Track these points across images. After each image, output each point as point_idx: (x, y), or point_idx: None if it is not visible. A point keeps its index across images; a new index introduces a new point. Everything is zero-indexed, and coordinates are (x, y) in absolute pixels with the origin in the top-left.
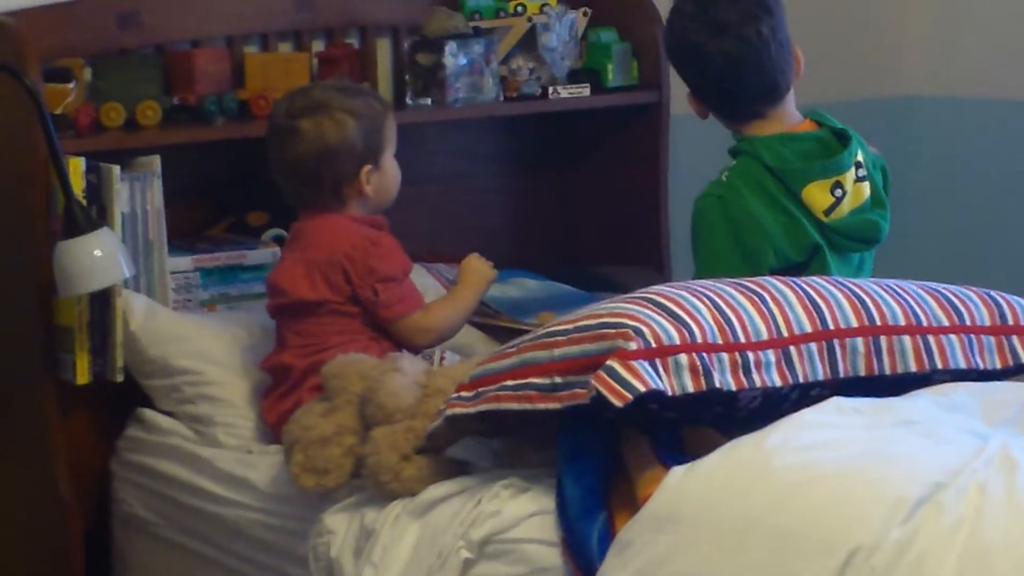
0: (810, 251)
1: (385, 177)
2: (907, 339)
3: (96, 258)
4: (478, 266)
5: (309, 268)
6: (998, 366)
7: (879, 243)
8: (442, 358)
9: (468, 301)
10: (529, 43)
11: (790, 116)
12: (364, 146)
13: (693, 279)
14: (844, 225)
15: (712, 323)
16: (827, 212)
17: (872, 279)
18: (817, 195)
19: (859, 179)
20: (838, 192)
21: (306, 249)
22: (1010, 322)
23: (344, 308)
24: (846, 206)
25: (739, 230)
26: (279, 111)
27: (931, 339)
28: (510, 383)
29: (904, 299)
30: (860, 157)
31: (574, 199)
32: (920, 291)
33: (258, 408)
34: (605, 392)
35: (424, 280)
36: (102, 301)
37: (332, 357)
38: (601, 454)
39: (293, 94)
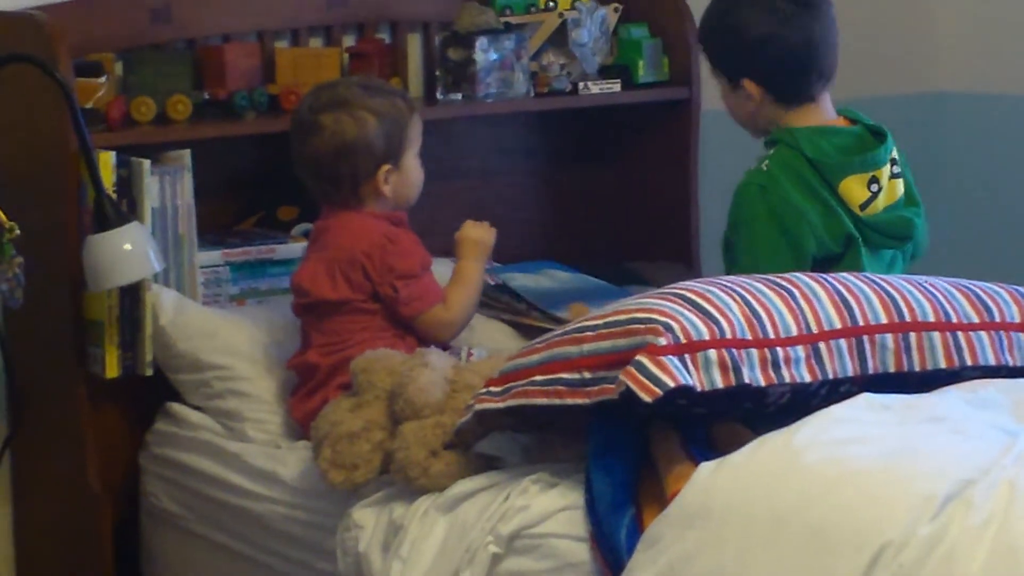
0: (845, 242)
1: (405, 177)
2: (936, 335)
3: (126, 252)
4: (473, 234)
5: (330, 267)
6: None
7: (911, 241)
8: (470, 354)
9: (475, 275)
10: (560, 39)
11: (828, 110)
12: (384, 145)
13: (733, 268)
14: (879, 221)
15: (741, 319)
16: (863, 207)
17: (901, 275)
18: (854, 189)
19: (894, 175)
20: (874, 187)
21: (327, 248)
22: None
23: (366, 306)
24: (881, 202)
25: (782, 217)
26: (303, 105)
27: (960, 336)
28: (539, 378)
29: (934, 295)
30: (895, 154)
31: (604, 195)
32: (950, 287)
33: (287, 404)
34: (634, 387)
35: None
36: (132, 295)
37: (357, 355)
38: (630, 449)
39: (319, 89)
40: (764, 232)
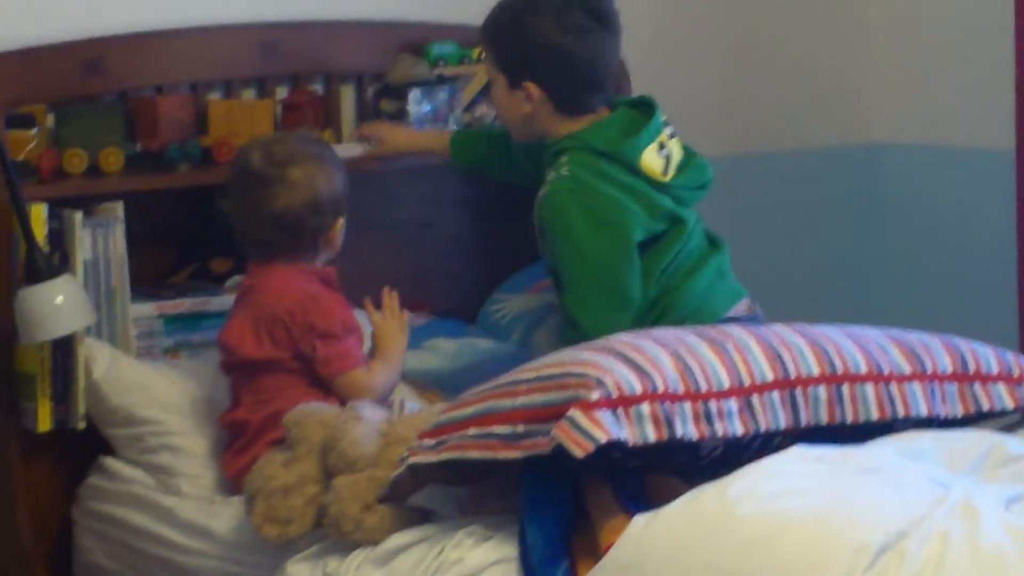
0: (667, 218)
1: (341, 228)
2: (869, 387)
3: (58, 305)
4: (387, 330)
5: (255, 325)
6: (960, 414)
7: (711, 185)
8: (402, 406)
9: (398, 359)
10: None
11: (599, 114)
12: (343, 197)
13: (557, 276)
14: (684, 180)
15: (674, 372)
16: (664, 173)
17: (835, 327)
18: (651, 161)
19: (672, 135)
20: (664, 152)
21: (252, 306)
22: (972, 370)
23: (291, 365)
24: (674, 162)
25: (598, 212)
26: (253, 160)
27: (894, 387)
28: (472, 431)
29: (866, 347)
30: (664, 116)
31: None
32: (882, 339)
33: (220, 461)
34: (567, 442)
35: None
36: (64, 348)
37: (287, 410)
38: (564, 502)
39: (265, 143)
40: (584, 230)
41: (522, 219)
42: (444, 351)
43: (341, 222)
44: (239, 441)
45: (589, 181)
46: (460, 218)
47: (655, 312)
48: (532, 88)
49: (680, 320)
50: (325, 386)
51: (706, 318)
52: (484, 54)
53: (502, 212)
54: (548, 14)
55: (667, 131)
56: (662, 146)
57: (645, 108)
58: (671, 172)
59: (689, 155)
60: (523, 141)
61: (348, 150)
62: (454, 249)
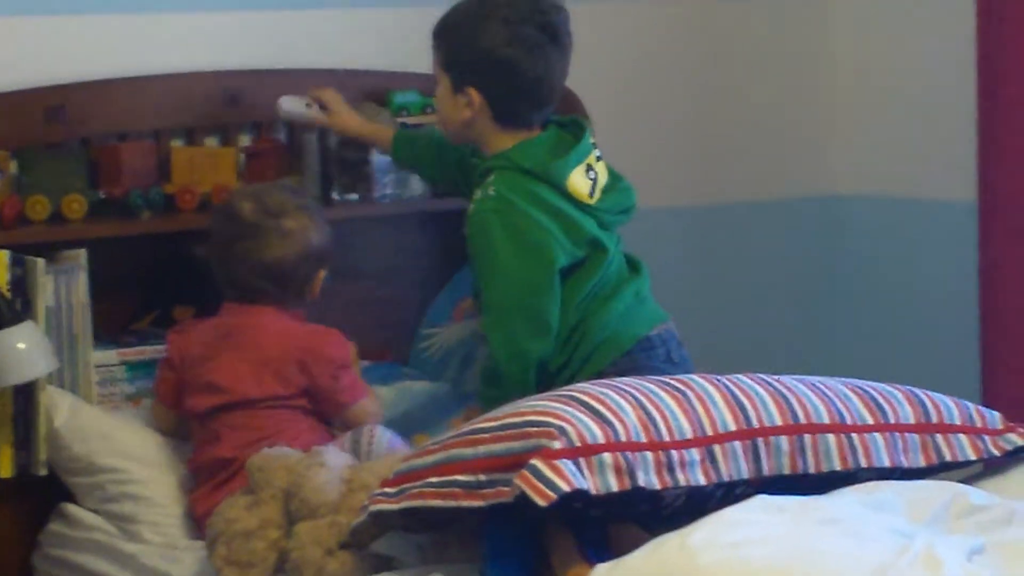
0: (589, 245)
1: (322, 278)
2: (831, 437)
3: (19, 351)
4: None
5: (256, 367)
6: (922, 464)
7: (634, 210)
8: (372, 434)
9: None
10: None
11: (532, 131)
12: (330, 249)
13: (477, 296)
14: (608, 203)
15: (636, 421)
16: (591, 194)
17: (796, 377)
18: (578, 182)
19: (598, 158)
20: (591, 174)
21: (246, 348)
22: (934, 420)
23: (293, 402)
24: (599, 185)
25: (520, 234)
26: (245, 209)
27: (855, 437)
28: (434, 480)
29: (828, 397)
30: (593, 139)
31: None
32: (844, 389)
33: (183, 505)
34: (529, 491)
35: None
36: (26, 394)
37: (270, 446)
38: (525, 550)
39: (255, 193)
40: (504, 254)
41: None
42: (382, 399)
43: (323, 273)
44: (217, 477)
45: (516, 202)
46: (422, 267)
47: (574, 339)
48: (474, 95)
49: (595, 347)
50: (311, 419)
51: (623, 341)
52: (433, 52)
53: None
54: (501, 24)
55: (595, 153)
56: (589, 168)
57: (574, 128)
58: (597, 194)
59: (615, 179)
60: (457, 144)
61: (293, 104)
62: (416, 298)
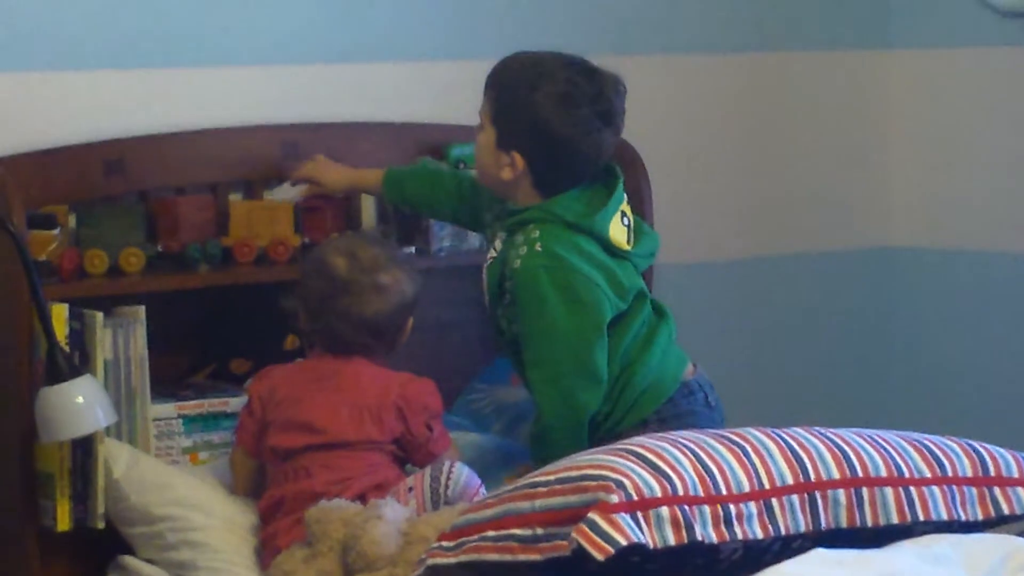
0: (631, 294)
1: (410, 327)
2: (889, 491)
3: (78, 405)
4: None
5: (355, 410)
6: (980, 517)
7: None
8: (451, 472)
9: None
10: None
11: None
12: (419, 298)
13: (532, 352)
14: (640, 248)
15: (693, 475)
16: (628, 241)
17: (854, 430)
18: (617, 232)
19: (628, 202)
20: (625, 221)
21: (345, 391)
22: (992, 473)
23: (384, 447)
24: (632, 231)
25: (572, 291)
26: (340, 266)
27: (913, 491)
28: (491, 534)
29: (886, 450)
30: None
31: None
32: (902, 442)
33: (244, 553)
34: (586, 545)
35: None
36: (84, 448)
37: (358, 489)
38: None
39: (346, 248)
40: (558, 309)
41: None
42: (473, 442)
43: (411, 321)
44: (302, 511)
45: (565, 257)
46: (479, 320)
47: (617, 388)
48: (519, 159)
49: (640, 394)
50: (396, 464)
51: (666, 387)
52: (484, 98)
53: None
54: (559, 100)
55: (624, 198)
56: (623, 215)
57: (607, 176)
58: (632, 240)
59: (638, 222)
60: (490, 188)
61: (284, 192)
62: (473, 351)
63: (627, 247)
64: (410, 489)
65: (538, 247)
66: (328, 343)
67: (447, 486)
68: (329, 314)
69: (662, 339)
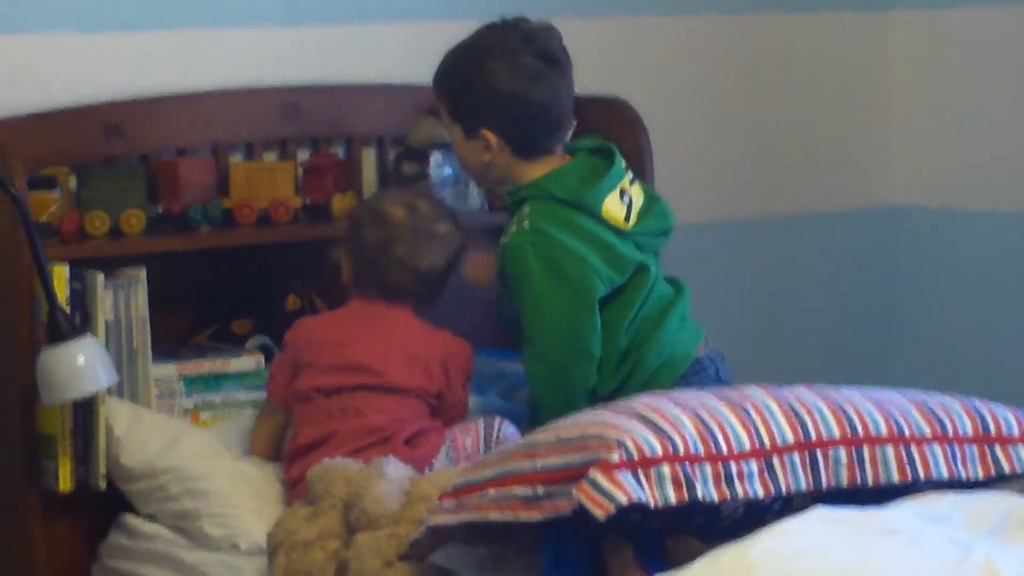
0: (630, 268)
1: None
2: (890, 449)
3: (79, 366)
4: None
5: (407, 358)
6: (981, 476)
7: (672, 230)
8: (501, 427)
9: None
10: None
11: (559, 157)
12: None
13: (524, 329)
14: (646, 227)
15: (695, 433)
16: (626, 219)
17: (855, 388)
18: (613, 208)
19: (632, 181)
20: (625, 199)
21: (396, 338)
22: (992, 432)
23: (428, 397)
24: (635, 208)
25: (559, 267)
26: (398, 214)
27: (914, 449)
28: (492, 493)
29: (887, 409)
30: (623, 162)
31: None
32: (903, 400)
33: (248, 499)
34: (588, 504)
35: None
36: (85, 409)
37: (414, 429)
38: (584, 563)
39: (405, 198)
40: (544, 285)
41: None
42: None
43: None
44: (358, 444)
45: (552, 233)
46: None
47: (627, 365)
48: (489, 135)
49: (652, 373)
50: (435, 416)
51: (679, 365)
52: (438, 105)
53: None
54: (497, 61)
55: (627, 177)
56: (623, 192)
57: (605, 154)
58: (632, 219)
59: (651, 200)
60: (487, 187)
61: None
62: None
63: (624, 225)
64: (466, 430)
65: (526, 224)
66: (378, 292)
67: (497, 438)
68: (385, 262)
69: (675, 316)
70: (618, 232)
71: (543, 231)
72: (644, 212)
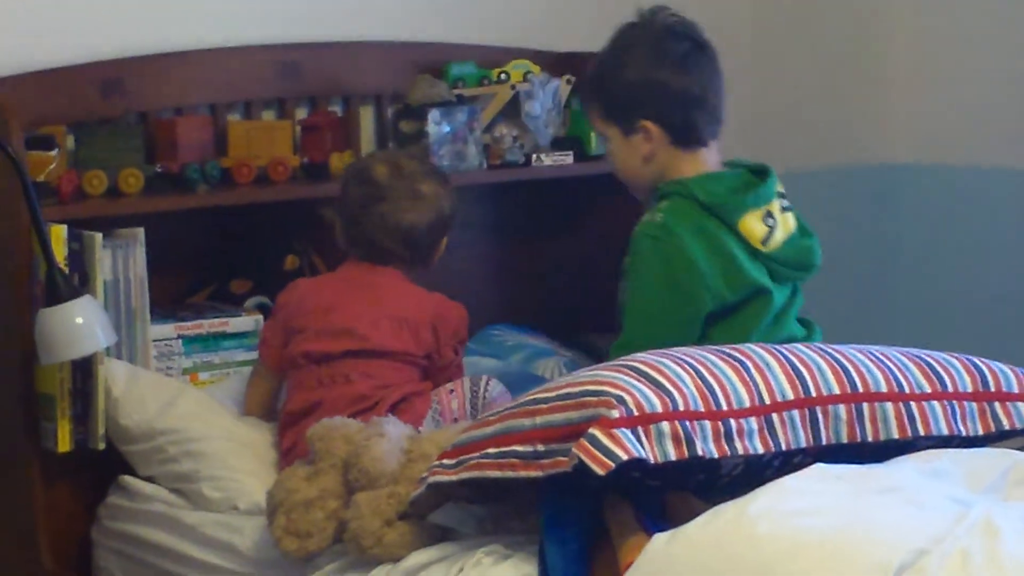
0: (748, 292)
1: (443, 247)
2: (889, 406)
3: (78, 326)
4: None
5: (394, 322)
6: (980, 432)
7: (815, 269)
8: (488, 385)
9: None
10: (512, 111)
11: (715, 160)
12: (454, 217)
13: (622, 316)
14: (783, 254)
15: (694, 391)
16: (764, 242)
17: (854, 345)
18: (753, 226)
19: (784, 209)
20: (770, 221)
21: (383, 302)
22: (992, 388)
23: (416, 360)
24: (779, 235)
25: (672, 269)
26: (380, 173)
27: (913, 406)
28: (492, 451)
29: (886, 366)
30: (781, 188)
31: (559, 266)
32: (902, 358)
33: (246, 461)
34: (587, 460)
35: None
36: (84, 369)
37: (399, 395)
38: (583, 521)
39: (390, 158)
40: (651, 283)
41: (538, 242)
42: (482, 367)
43: (446, 240)
44: (346, 412)
45: (678, 234)
46: (477, 240)
47: None
48: (648, 125)
49: None
50: (424, 377)
51: None
52: (589, 114)
53: (520, 234)
54: (644, 50)
55: (780, 202)
56: (769, 214)
57: (761, 175)
58: (772, 244)
59: (802, 234)
60: (645, 195)
61: None
62: (472, 271)
63: (760, 246)
64: (451, 391)
65: (658, 216)
66: (364, 252)
67: (484, 396)
68: (366, 220)
69: None
70: (752, 251)
71: (668, 227)
72: (789, 242)
